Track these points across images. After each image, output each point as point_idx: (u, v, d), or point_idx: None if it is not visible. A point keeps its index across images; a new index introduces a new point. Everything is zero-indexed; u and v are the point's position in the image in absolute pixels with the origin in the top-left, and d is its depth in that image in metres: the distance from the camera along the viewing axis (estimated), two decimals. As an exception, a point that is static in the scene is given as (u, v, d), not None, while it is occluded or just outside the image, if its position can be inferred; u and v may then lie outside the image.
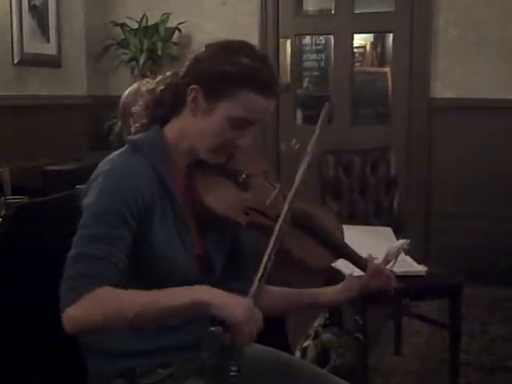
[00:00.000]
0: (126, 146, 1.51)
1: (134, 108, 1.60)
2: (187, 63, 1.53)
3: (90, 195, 1.41)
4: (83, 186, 1.47)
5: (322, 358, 2.75)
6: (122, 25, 5.01)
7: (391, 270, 1.66)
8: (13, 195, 3.42)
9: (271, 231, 1.43)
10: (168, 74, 1.59)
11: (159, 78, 1.59)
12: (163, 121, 1.55)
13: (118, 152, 1.51)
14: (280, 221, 1.45)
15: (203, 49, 1.53)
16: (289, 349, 2.08)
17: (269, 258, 1.38)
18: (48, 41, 4.78)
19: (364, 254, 1.67)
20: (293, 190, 1.51)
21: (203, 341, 1.57)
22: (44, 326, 1.55)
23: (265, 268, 1.37)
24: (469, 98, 4.54)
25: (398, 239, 2.15)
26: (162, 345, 1.50)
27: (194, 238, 1.52)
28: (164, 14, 4.96)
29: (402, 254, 1.79)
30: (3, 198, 2.60)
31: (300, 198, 1.54)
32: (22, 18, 4.47)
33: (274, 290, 1.70)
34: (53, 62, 4.84)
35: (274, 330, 2.03)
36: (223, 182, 1.55)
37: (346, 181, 3.30)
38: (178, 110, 1.53)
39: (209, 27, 5.05)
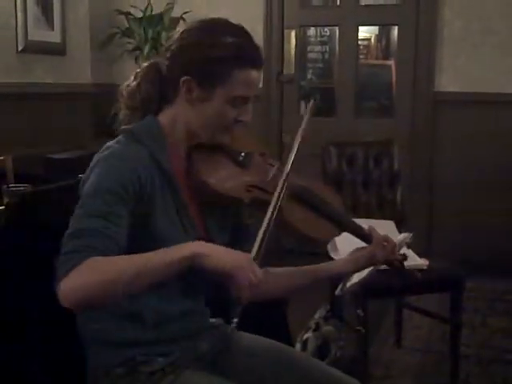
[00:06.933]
0: (122, 135, 1.52)
1: (121, 113, 1.61)
2: (169, 54, 1.52)
3: (89, 182, 1.41)
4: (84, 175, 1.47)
5: (323, 350, 2.76)
6: (127, 13, 4.99)
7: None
8: (15, 183, 3.42)
9: None
10: (143, 68, 1.58)
11: (137, 75, 1.58)
12: (156, 111, 1.56)
13: (114, 140, 1.51)
14: (277, 193, 1.48)
15: (181, 36, 1.52)
16: (289, 341, 2.08)
17: (265, 232, 1.40)
18: (52, 28, 4.77)
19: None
20: (289, 164, 1.55)
21: (203, 332, 1.58)
22: (47, 315, 1.55)
23: (261, 242, 1.38)
24: (473, 92, 4.53)
25: (400, 233, 2.15)
26: (162, 335, 1.51)
27: (195, 222, 1.53)
28: (169, 4, 4.94)
29: (405, 248, 1.80)
30: (6, 186, 2.60)
31: (297, 175, 1.59)
32: (27, 5, 4.46)
33: (277, 270, 1.70)
34: (57, 50, 4.83)
35: (275, 321, 2.04)
36: (223, 162, 1.57)
37: (348, 173, 3.29)
38: (169, 99, 1.54)
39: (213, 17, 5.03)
